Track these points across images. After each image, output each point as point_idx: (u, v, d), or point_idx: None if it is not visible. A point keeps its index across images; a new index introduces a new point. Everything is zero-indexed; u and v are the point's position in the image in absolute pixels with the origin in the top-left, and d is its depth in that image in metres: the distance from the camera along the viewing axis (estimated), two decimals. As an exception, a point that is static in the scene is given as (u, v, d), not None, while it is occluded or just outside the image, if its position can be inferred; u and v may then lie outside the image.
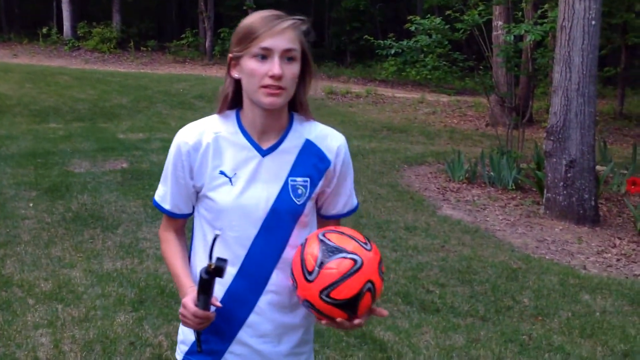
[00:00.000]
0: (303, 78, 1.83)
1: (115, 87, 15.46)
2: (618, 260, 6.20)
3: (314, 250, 1.71)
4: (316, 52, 25.99)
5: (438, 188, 8.49)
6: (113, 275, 4.87)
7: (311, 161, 1.86)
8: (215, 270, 1.66)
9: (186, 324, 1.77)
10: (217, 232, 1.70)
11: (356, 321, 1.73)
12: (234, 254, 1.82)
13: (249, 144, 1.83)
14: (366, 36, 11.67)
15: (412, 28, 9.54)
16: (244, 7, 20.01)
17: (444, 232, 6.52)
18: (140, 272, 4.94)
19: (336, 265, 1.67)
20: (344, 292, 1.67)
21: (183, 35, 22.75)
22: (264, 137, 1.84)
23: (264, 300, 1.85)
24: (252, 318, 1.86)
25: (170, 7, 28.88)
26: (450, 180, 8.85)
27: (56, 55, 21.51)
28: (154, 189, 1.99)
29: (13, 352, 3.72)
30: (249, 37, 1.74)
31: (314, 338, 4.03)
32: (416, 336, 4.23)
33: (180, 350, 1.95)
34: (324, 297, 1.68)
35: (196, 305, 1.72)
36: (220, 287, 1.82)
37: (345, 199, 1.96)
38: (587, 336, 4.40)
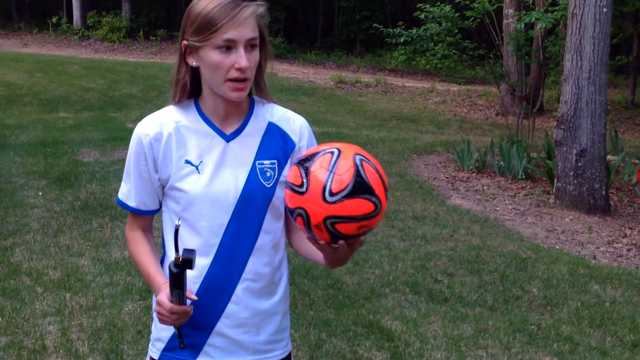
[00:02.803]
0: (261, 61, 1.80)
1: (125, 77, 15.47)
2: (629, 250, 6.15)
3: (293, 171, 1.66)
4: (325, 42, 25.95)
5: (447, 177, 8.44)
6: (121, 264, 4.88)
7: (277, 143, 1.83)
8: (184, 262, 1.61)
9: (164, 322, 1.72)
10: (178, 223, 1.66)
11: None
12: (207, 244, 1.79)
13: (212, 131, 1.80)
14: (375, 24, 11.61)
15: (422, 16, 9.47)
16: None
17: (453, 222, 6.49)
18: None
19: (320, 164, 1.60)
20: (343, 179, 1.57)
21: (192, 25, 22.68)
22: (227, 123, 1.81)
23: (241, 288, 1.82)
24: (230, 308, 1.82)
25: (179, -4, 28.81)
26: (460, 170, 8.80)
27: (66, 44, 21.53)
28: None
29: (21, 340, 3.74)
30: (209, 27, 1.68)
31: (322, 328, 4.04)
32: (424, 326, 4.21)
33: (156, 348, 1.90)
34: (328, 198, 1.57)
35: (171, 301, 1.67)
36: (196, 279, 1.80)
37: None
38: (597, 326, 4.37)
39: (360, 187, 1.57)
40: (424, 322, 4.26)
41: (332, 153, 1.61)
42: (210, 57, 1.70)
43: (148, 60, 19.12)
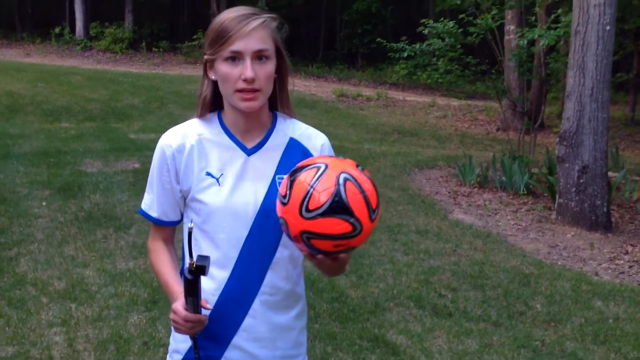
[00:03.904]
0: (281, 75, 1.82)
1: (127, 88, 15.52)
2: (630, 267, 6.16)
3: (284, 180, 1.66)
4: (327, 55, 26.06)
5: (449, 192, 8.47)
6: (126, 275, 4.89)
7: (297, 159, 1.82)
8: (197, 268, 1.61)
9: (179, 330, 1.73)
10: (190, 225, 1.69)
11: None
12: (225, 256, 1.80)
13: (233, 144, 1.83)
14: (379, 39, 11.68)
15: (425, 31, 9.53)
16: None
17: (456, 237, 6.51)
18: (153, 272, 4.95)
19: (304, 178, 1.60)
20: (320, 197, 1.56)
21: (195, 37, 22.77)
22: (248, 137, 1.84)
23: (259, 302, 1.83)
24: (247, 321, 1.83)
25: (182, 8, 28.98)
26: (462, 185, 8.83)
27: (68, 55, 21.61)
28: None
29: (27, 350, 3.74)
30: (220, 39, 1.72)
31: (327, 341, 4.04)
32: (429, 340, 4.22)
33: (174, 359, 1.91)
34: (304, 213, 1.57)
35: (186, 310, 1.69)
36: (214, 291, 1.82)
37: None
38: (600, 343, 4.38)
39: (337, 207, 1.56)
40: (429, 337, 4.27)
41: (318, 168, 1.60)
42: (220, 69, 1.74)
43: (150, 72, 19.19)
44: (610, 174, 8.51)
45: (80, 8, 23.09)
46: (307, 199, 1.56)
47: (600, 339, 4.42)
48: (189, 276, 1.63)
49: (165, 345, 3.83)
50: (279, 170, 1.83)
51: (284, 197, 1.61)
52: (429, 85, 19.65)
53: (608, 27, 7.02)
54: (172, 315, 1.73)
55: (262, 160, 1.83)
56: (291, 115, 1.91)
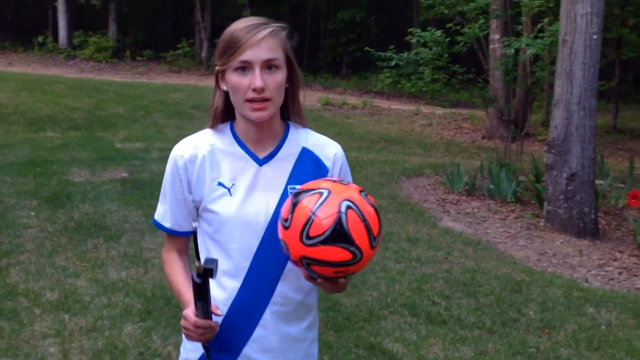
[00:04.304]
0: (292, 84, 1.82)
1: (112, 96, 15.43)
2: (620, 273, 6.22)
3: (287, 202, 1.66)
4: (312, 64, 26.09)
5: (437, 200, 8.50)
6: (119, 285, 4.85)
7: (309, 168, 1.84)
8: (205, 271, 1.61)
9: (189, 337, 1.74)
10: (194, 225, 1.71)
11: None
12: (237, 266, 1.80)
13: (245, 154, 1.82)
14: (367, 47, 11.73)
15: (413, 40, 9.58)
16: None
17: (446, 244, 6.53)
18: (146, 282, 4.92)
19: (306, 203, 1.59)
20: (322, 224, 1.56)
21: (179, 45, 22.77)
22: (260, 147, 1.83)
23: (269, 313, 1.83)
24: (258, 332, 1.83)
25: (166, 17, 28.91)
26: (449, 192, 8.87)
27: (52, 64, 21.45)
28: (155, 198, 1.97)
29: (22, 362, 3.70)
30: (229, 50, 1.72)
31: (324, 350, 4.02)
32: (425, 348, 4.22)
33: None
34: (305, 240, 1.57)
35: (196, 315, 1.69)
36: (225, 301, 1.81)
37: None
38: (594, 349, 4.41)
39: (338, 235, 1.56)
40: (425, 345, 4.27)
41: (321, 194, 1.59)
42: (230, 79, 1.75)
43: (135, 80, 19.09)
44: (596, 181, 8.59)
45: (64, 17, 22.95)
46: (308, 226, 1.57)
47: (594, 345, 4.45)
48: (197, 280, 1.63)
49: (161, 356, 3.82)
50: (291, 180, 1.83)
51: (286, 220, 1.61)
52: (413, 94, 19.73)
53: (595, 36, 7.10)
54: (182, 322, 1.73)
55: (273, 170, 1.83)
56: (303, 124, 1.91)
